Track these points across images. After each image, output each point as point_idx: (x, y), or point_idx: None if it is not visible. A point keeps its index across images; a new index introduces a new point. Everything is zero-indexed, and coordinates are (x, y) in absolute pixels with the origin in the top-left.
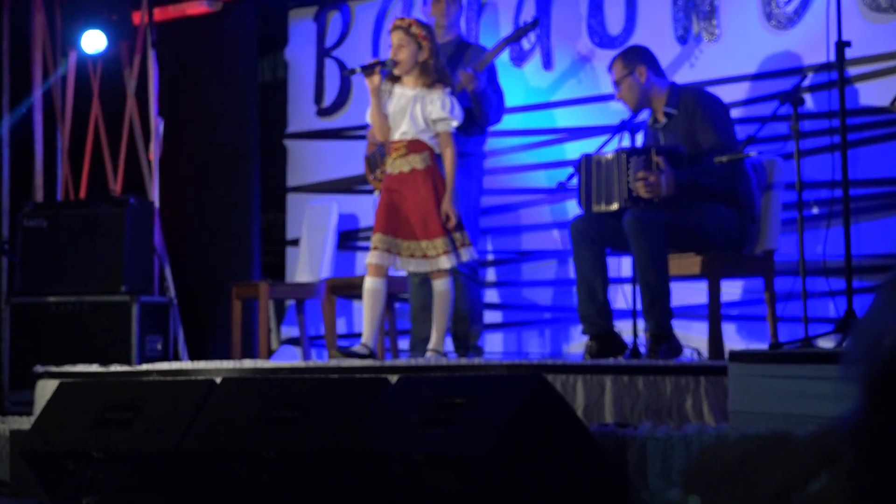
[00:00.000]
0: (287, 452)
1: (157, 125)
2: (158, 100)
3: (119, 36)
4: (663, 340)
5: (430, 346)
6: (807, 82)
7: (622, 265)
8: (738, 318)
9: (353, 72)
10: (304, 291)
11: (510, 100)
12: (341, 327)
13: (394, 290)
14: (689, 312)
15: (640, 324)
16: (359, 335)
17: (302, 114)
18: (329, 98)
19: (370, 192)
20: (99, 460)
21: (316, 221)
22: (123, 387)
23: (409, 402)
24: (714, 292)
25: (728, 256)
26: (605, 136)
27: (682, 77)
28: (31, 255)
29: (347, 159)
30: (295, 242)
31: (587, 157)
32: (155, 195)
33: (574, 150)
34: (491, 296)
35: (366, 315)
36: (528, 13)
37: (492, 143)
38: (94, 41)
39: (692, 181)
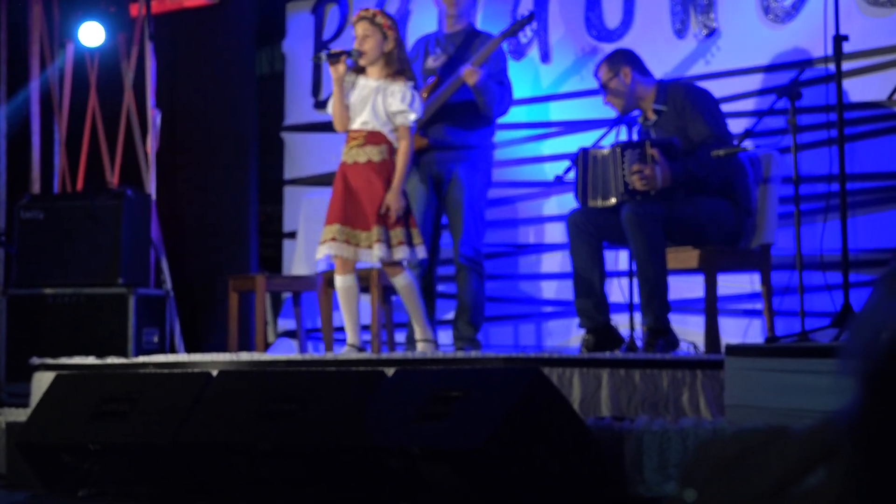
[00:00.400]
0: (284, 445)
1: (154, 117)
2: (156, 92)
3: (116, 28)
4: (660, 334)
5: (417, 336)
6: (804, 76)
7: (619, 259)
8: (734, 312)
9: (319, 58)
10: (300, 284)
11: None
12: (338, 320)
13: (389, 283)
14: (686, 306)
15: (637, 317)
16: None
17: (299, 106)
18: (326, 91)
19: None
20: (95, 453)
21: (313, 214)
22: (120, 379)
23: (405, 395)
24: (711, 286)
25: (725, 250)
26: (603, 130)
27: (690, 71)
28: (28, 246)
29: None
30: (292, 235)
31: (584, 151)
32: (152, 187)
33: (572, 143)
34: (488, 289)
35: (345, 314)
36: (526, 6)
37: None
38: (91, 33)
39: (687, 172)
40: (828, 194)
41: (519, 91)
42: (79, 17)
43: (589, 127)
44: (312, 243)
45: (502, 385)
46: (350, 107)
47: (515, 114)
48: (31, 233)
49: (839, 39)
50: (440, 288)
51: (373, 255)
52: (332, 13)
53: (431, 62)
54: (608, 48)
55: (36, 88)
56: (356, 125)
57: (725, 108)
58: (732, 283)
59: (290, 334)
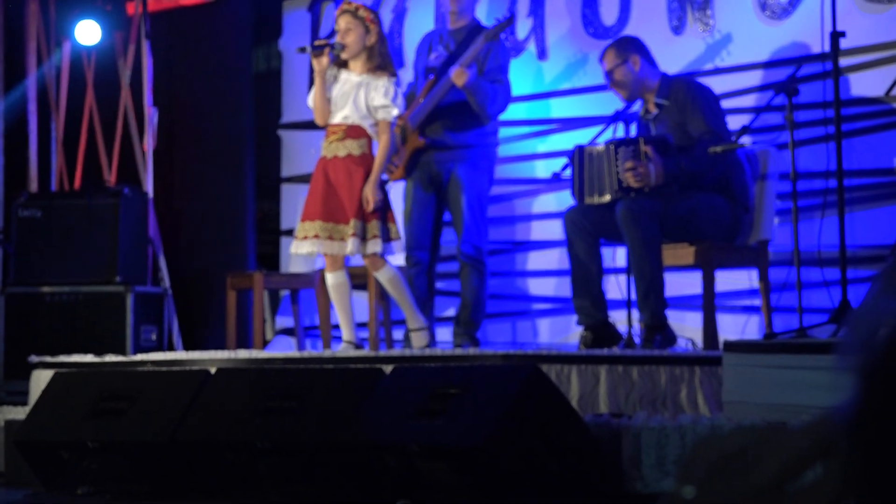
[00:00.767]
0: (282, 443)
1: (151, 115)
2: (153, 90)
3: (113, 26)
4: (658, 330)
5: (410, 326)
6: (801, 73)
7: (616, 255)
8: (732, 309)
9: (303, 50)
10: (298, 282)
11: None
12: (335, 317)
13: None
14: (684, 303)
15: (635, 314)
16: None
17: (296, 104)
18: None
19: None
20: (94, 450)
21: None
22: (118, 377)
23: (403, 392)
24: (708, 282)
25: (722, 246)
26: (600, 127)
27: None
28: (26, 245)
29: None
30: (289, 232)
31: (580, 149)
32: (149, 185)
33: (569, 140)
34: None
35: (339, 311)
36: (524, 4)
37: None
38: (88, 32)
39: (681, 169)
40: (825, 190)
41: (516, 88)
42: (75, 16)
43: (586, 124)
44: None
45: (500, 382)
46: (331, 100)
47: (513, 111)
48: (29, 231)
49: (836, 36)
50: (440, 286)
51: (346, 249)
52: (328, 10)
53: (432, 59)
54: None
55: (33, 86)
56: (337, 119)
57: (723, 104)
58: (730, 280)
59: (288, 332)
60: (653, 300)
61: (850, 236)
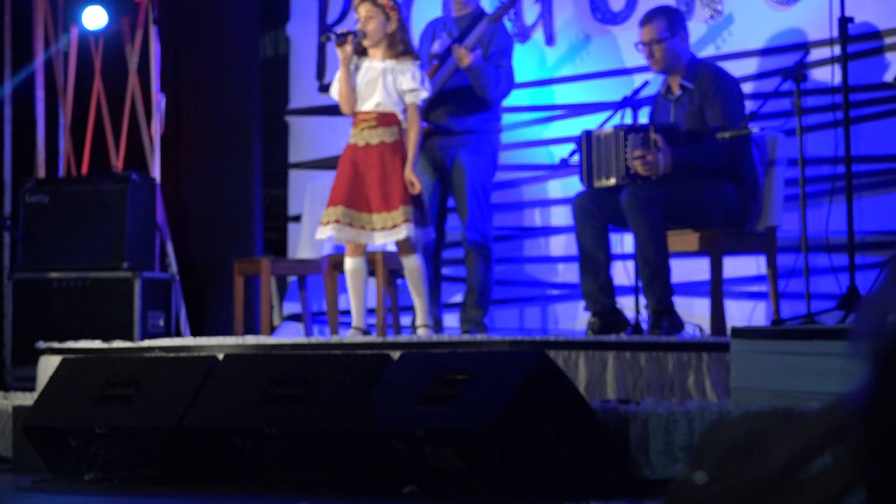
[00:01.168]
0: (289, 429)
1: (158, 101)
2: (160, 76)
3: (120, 12)
4: (665, 316)
5: (418, 321)
6: (809, 58)
7: (624, 241)
8: (740, 295)
9: (327, 38)
10: (306, 268)
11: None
12: (343, 303)
13: (395, 267)
14: (692, 289)
15: (643, 300)
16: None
17: (304, 90)
18: (331, 74)
19: None
20: (101, 436)
21: (318, 197)
22: (126, 363)
23: (411, 378)
24: (716, 269)
25: (730, 232)
26: (608, 113)
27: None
28: (33, 231)
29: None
30: (297, 219)
31: (587, 134)
32: (157, 171)
33: (577, 125)
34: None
35: (352, 297)
36: None
37: None
38: (95, 17)
39: (690, 162)
40: (833, 176)
41: (524, 74)
42: (83, 1)
43: (594, 110)
44: (317, 227)
45: (508, 368)
46: (355, 89)
47: (520, 97)
48: (37, 217)
49: (844, 21)
50: (445, 272)
51: (400, 233)
52: None
53: (436, 46)
54: (614, 30)
55: (40, 72)
56: (368, 107)
57: None
58: (738, 266)
59: (295, 318)
60: (658, 287)
61: (858, 222)
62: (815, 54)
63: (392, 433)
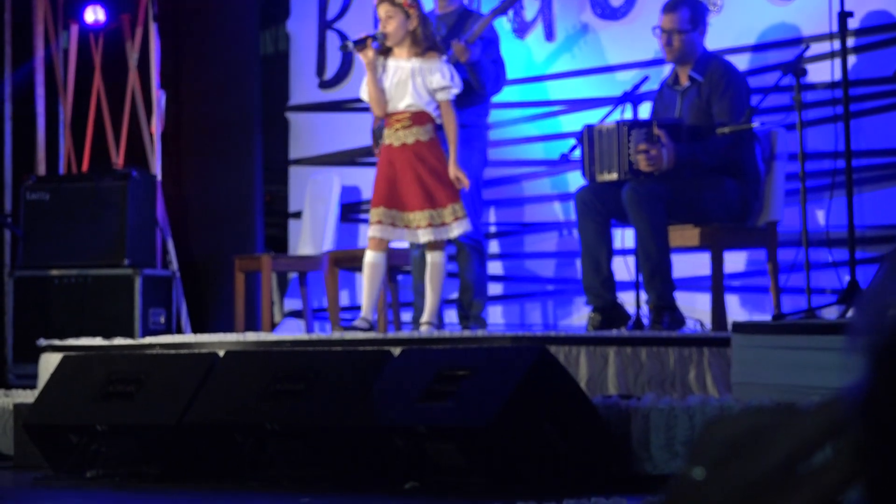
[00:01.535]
0: (290, 425)
1: (159, 98)
2: (160, 72)
3: (120, 9)
4: (666, 311)
5: (424, 318)
6: (809, 53)
7: (626, 236)
8: (741, 290)
9: (345, 47)
10: (306, 264)
11: (513, 72)
12: (344, 300)
13: (396, 263)
14: (693, 284)
15: (644, 295)
16: (361, 307)
17: (304, 86)
18: (331, 70)
19: (374, 164)
20: (102, 434)
21: (318, 194)
22: (127, 360)
23: (411, 374)
24: (717, 264)
25: (730, 227)
26: (608, 108)
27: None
28: (34, 228)
29: (350, 132)
30: (297, 215)
31: (589, 128)
32: (157, 168)
33: (576, 121)
34: (493, 268)
35: (365, 289)
36: None
37: (494, 115)
38: (95, 14)
39: (693, 159)
40: (834, 171)
41: (523, 69)
42: None
43: (593, 105)
44: (318, 223)
45: (508, 364)
46: (385, 91)
47: (520, 92)
48: (37, 214)
49: (844, 16)
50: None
51: (451, 232)
52: None
53: None
54: (613, 25)
55: (40, 69)
56: (401, 107)
57: None
58: (739, 261)
59: (296, 314)
60: (659, 282)
61: (859, 217)
62: (816, 48)
63: (393, 429)
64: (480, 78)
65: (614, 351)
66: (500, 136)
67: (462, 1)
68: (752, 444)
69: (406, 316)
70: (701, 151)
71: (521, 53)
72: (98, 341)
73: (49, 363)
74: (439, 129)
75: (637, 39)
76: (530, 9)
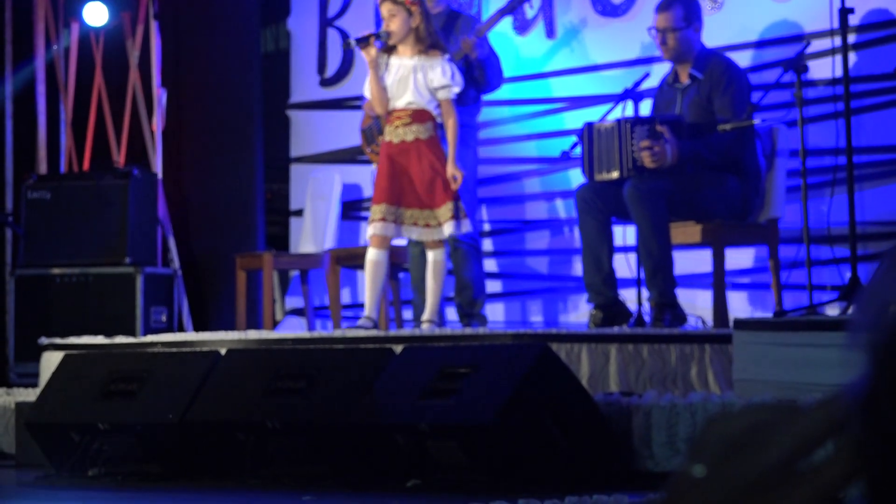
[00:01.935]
0: (292, 423)
1: (160, 96)
2: (161, 71)
3: (121, 7)
4: (667, 309)
5: (425, 316)
6: (810, 49)
7: (627, 233)
8: (742, 287)
9: (348, 45)
10: (308, 262)
11: (514, 69)
12: (345, 297)
13: (398, 261)
14: (694, 281)
15: (645, 292)
16: (363, 305)
17: (305, 84)
18: (332, 68)
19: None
20: (104, 432)
21: (319, 191)
22: (128, 358)
23: (413, 371)
24: (718, 261)
25: (731, 224)
26: (609, 105)
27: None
28: (35, 227)
29: (351, 129)
30: (298, 213)
31: (589, 126)
32: (158, 166)
33: (577, 118)
34: (491, 265)
35: (368, 287)
36: None
37: (495, 113)
38: (96, 12)
39: (696, 155)
40: (835, 167)
41: (525, 67)
42: None
43: (594, 102)
44: (319, 221)
45: (510, 361)
46: (387, 88)
47: (521, 89)
48: (38, 213)
49: (845, 12)
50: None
51: (440, 232)
52: None
53: None
54: (614, 23)
55: (41, 68)
56: (401, 104)
57: None
58: (740, 258)
59: (297, 312)
60: (661, 279)
61: (860, 213)
62: (817, 45)
63: (395, 427)
64: (487, 73)
65: (616, 348)
66: (500, 133)
67: (450, 2)
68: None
69: (407, 314)
70: (704, 147)
71: (521, 51)
72: (99, 340)
73: (50, 362)
74: (440, 127)
75: (638, 37)
76: (529, 8)
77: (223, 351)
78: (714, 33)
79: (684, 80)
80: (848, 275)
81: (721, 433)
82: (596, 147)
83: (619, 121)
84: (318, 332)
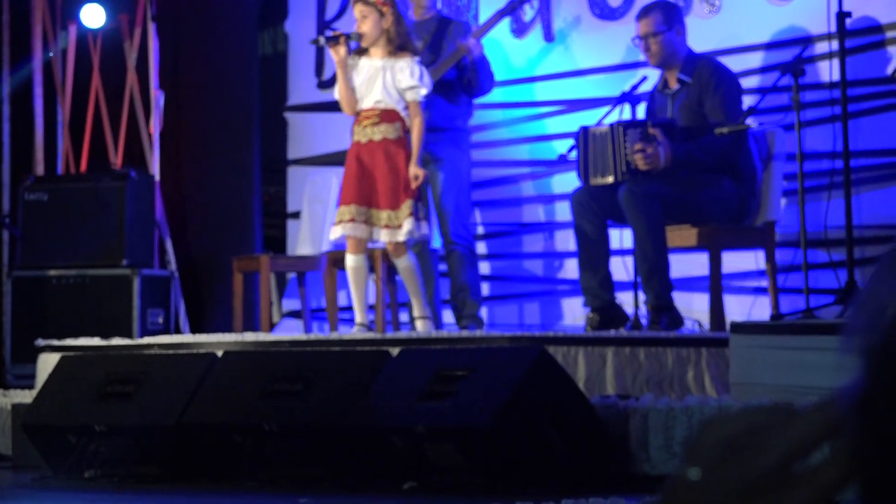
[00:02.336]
0: (289, 425)
1: (157, 98)
2: (159, 73)
3: (119, 9)
4: (664, 312)
5: (416, 313)
6: (807, 53)
7: (624, 237)
8: (739, 290)
9: (317, 42)
10: (305, 264)
11: (511, 72)
12: (342, 300)
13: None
14: (691, 284)
15: (642, 296)
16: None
17: (302, 86)
18: (329, 71)
19: None
20: (101, 434)
21: (317, 194)
22: (125, 360)
23: (410, 374)
24: (715, 264)
25: (728, 228)
26: (607, 108)
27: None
28: (32, 228)
29: (348, 132)
30: (296, 215)
31: (585, 130)
32: (155, 168)
33: (576, 121)
34: (487, 268)
35: (354, 294)
36: None
37: (492, 116)
38: (93, 14)
39: (690, 157)
40: (832, 171)
41: (523, 70)
42: None
43: (592, 105)
44: (317, 223)
45: (507, 364)
46: (356, 89)
47: (518, 92)
48: (35, 214)
49: (842, 16)
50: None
51: (401, 232)
52: None
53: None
54: (612, 26)
55: (38, 69)
56: (369, 104)
57: None
58: (737, 261)
59: (294, 314)
60: (657, 282)
61: (857, 217)
62: (814, 49)
63: (392, 430)
64: (481, 75)
65: (612, 351)
66: (496, 136)
67: (438, 9)
68: (749, 445)
69: (404, 316)
70: (697, 149)
71: (519, 54)
72: (96, 341)
73: (47, 363)
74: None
75: None
76: (528, 9)
77: (220, 353)
78: (711, 37)
79: (673, 85)
80: (844, 278)
81: (717, 436)
82: (591, 151)
83: (612, 125)
84: (315, 335)
